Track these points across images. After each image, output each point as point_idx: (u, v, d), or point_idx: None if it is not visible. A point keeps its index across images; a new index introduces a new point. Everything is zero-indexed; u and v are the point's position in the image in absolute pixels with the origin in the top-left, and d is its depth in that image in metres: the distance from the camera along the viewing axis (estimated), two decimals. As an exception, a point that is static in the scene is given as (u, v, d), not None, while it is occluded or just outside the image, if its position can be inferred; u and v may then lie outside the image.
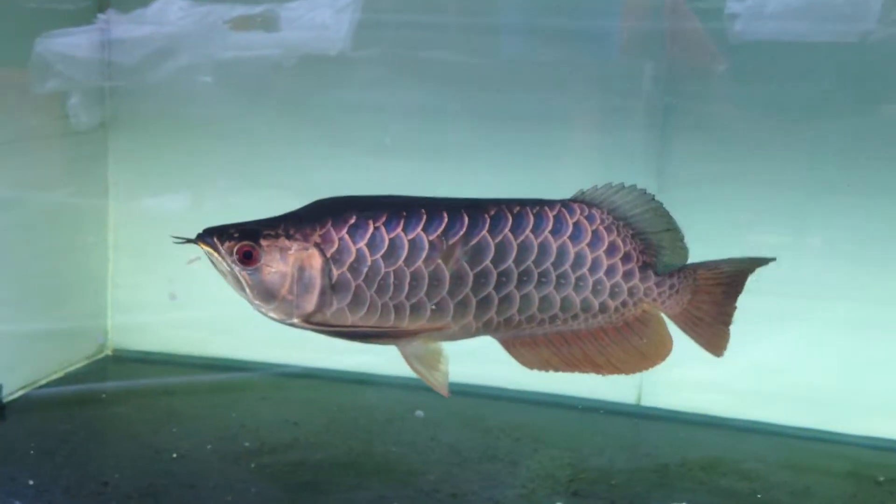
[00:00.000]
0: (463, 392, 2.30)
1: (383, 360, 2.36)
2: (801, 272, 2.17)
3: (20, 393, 2.20)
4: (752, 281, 2.16)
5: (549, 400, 2.30)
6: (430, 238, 1.43)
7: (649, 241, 1.50)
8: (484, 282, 1.44)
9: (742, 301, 2.17)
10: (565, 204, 1.48)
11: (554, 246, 1.46)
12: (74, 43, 2.34)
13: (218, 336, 2.48)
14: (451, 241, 1.43)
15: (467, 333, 1.49)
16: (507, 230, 1.45)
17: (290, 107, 2.42)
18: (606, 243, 1.47)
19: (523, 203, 1.47)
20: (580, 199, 1.49)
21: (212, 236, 1.45)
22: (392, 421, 2.14)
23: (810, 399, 2.19)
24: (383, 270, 1.43)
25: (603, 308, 1.49)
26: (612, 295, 1.49)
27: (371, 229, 1.43)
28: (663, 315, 1.52)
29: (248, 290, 1.45)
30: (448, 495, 1.80)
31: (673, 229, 1.51)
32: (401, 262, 1.43)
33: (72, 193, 2.39)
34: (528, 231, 1.45)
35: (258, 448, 1.97)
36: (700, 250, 2.19)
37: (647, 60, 2.20)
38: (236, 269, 1.44)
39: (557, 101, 2.30)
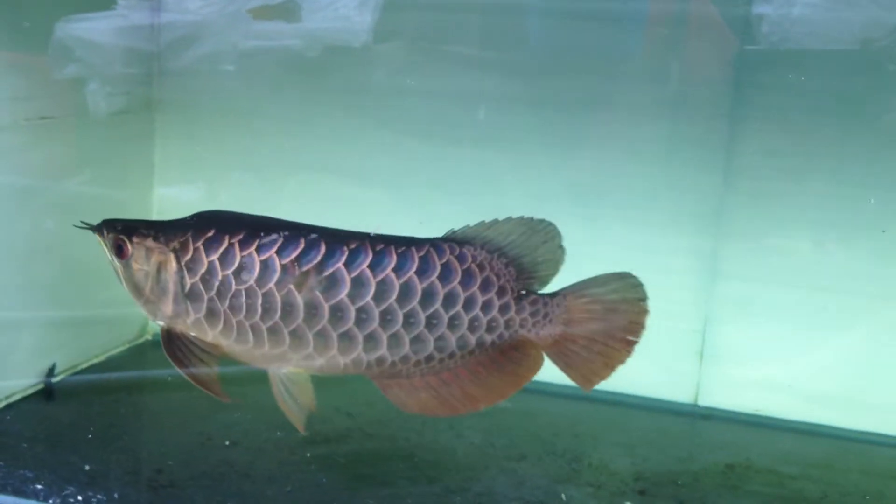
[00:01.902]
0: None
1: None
2: (867, 270, 2.12)
3: (62, 376, 2.15)
4: (816, 279, 2.13)
5: (603, 397, 2.23)
6: (283, 262, 1.43)
7: (524, 263, 1.48)
8: (341, 316, 1.43)
9: (804, 299, 2.14)
10: (434, 244, 1.46)
11: (419, 287, 1.44)
12: (97, 28, 2.30)
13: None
14: (303, 268, 1.42)
15: (336, 369, 1.49)
16: (364, 266, 1.43)
17: (319, 95, 2.36)
18: (480, 280, 1.46)
19: (389, 241, 1.45)
20: (451, 238, 1.47)
21: (101, 226, 1.55)
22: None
23: (874, 402, 2.13)
24: (234, 287, 1.45)
25: (480, 343, 1.48)
26: (490, 330, 1.47)
27: (225, 245, 1.45)
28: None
29: (122, 281, 1.54)
30: (510, 491, 1.74)
31: (549, 240, 1.49)
32: (252, 281, 1.44)
33: (117, 177, 2.34)
34: (388, 270, 1.43)
35: (312, 438, 1.91)
36: (766, 245, 2.16)
37: (715, 46, 2.14)
38: (113, 258, 1.53)
39: (614, 88, 2.24)
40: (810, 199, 2.12)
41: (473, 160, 2.31)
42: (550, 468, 1.84)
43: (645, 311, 1.52)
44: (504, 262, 1.47)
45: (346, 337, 1.44)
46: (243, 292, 1.44)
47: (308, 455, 1.83)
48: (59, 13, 2.10)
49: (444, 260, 1.45)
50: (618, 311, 1.51)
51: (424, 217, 2.31)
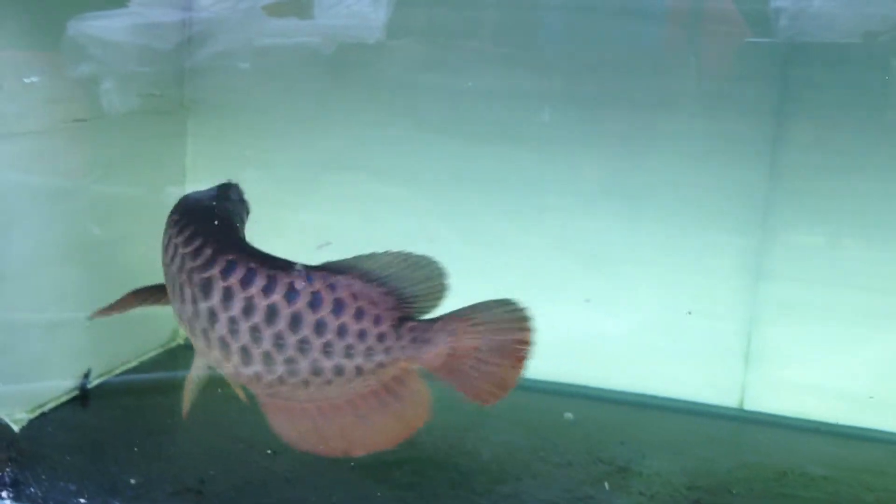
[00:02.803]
0: (556, 392, 2.21)
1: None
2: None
3: (97, 381, 2.12)
4: (865, 278, 2.08)
5: (646, 401, 2.21)
6: (182, 252, 1.48)
7: (404, 294, 1.45)
8: (214, 320, 1.43)
9: (853, 300, 2.09)
10: (307, 273, 1.43)
11: (286, 311, 1.41)
12: (124, 27, 2.27)
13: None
14: (187, 266, 1.47)
15: (224, 371, 1.49)
16: (235, 280, 1.43)
17: (341, 92, 2.33)
18: (353, 309, 1.42)
19: (264, 262, 1.44)
20: (325, 268, 1.44)
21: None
22: (485, 418, 2.05)
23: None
24: (165, 259, 1.55)
25: (358, 371, 1.44)
26: (367, 358, 1.44)
27: (172, 223, 1.57)
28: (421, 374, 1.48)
29: None
30: (568, 499, 1.70)
31: (431, 278, 1.46)
32: (170, 259, 1.52)
33: (149, 178, 2.31)
34: (254, 290, 1.42)
35: (353, 445, 1.87)
36: (813, 244, 2.11)
37: (760, 41, 2.08)
38: None
39: (651, 84, 2.19)
40: (858, 196, 2.07)
41: (506, 158, 2.26)
42: (599, 476, 1.80)
43: (531, 331, 1.48)
44: (382, 292, 1.44)
45: (224, 342, 1.44)
46: (168, 267, 1.53)
47: (352, 464, 1.79)
48: (89, 13, 2.06)
49: (314, 289, 1.42)
50: (505, 331, 1.47)
51: (448, 214, 2.29)
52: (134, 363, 2.27)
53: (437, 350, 1.45)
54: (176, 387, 2.13)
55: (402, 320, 1.44)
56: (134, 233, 2.17)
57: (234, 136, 2.42)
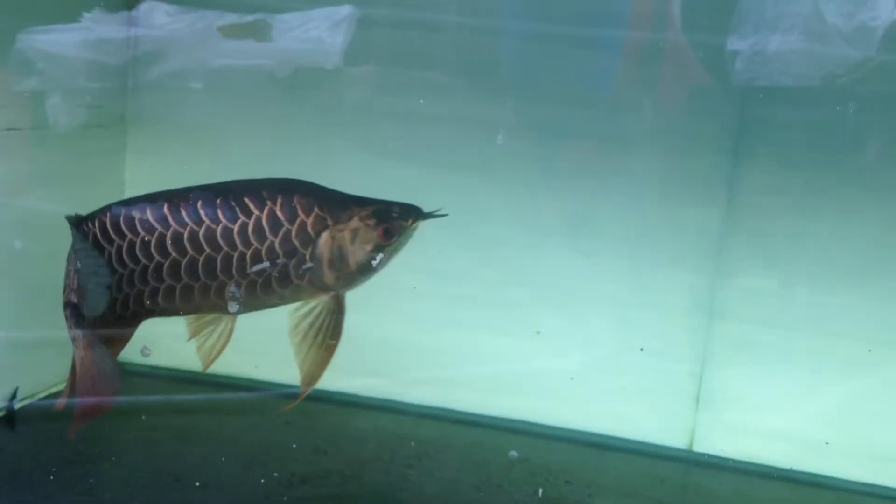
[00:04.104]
0: (503, 427, 2.15)
1: (412, 388, 2.23)
2: (873, 314, 2.04)
3: (21, 404, 2.01)
4: (819, 322, 2.05)
5: (593, 440, 2.14)
6: None
7: (82, 284, 1.54)
8: None
9: (806, 343, 2.06)
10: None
11: None
12: (67, 40, 2.19)
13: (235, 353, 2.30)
14: None
15: None
16: None
17: (287, 116, 2.26)
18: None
19: None
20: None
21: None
22: (429, 454, 1.98)
23: (878, 453, 2.04)
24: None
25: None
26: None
27: None
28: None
29: None
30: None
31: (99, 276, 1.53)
32: None
33: (85, 193, 2.20)
34: None
35: (288, 479, 1.79)
36: (767, 286, 2.08)
37: (719, 78, 2.05)
38: None
39: (610, 119, 2.15)
40: (813, 239, 2.05)
41: (460, 187, 2.20)
42: (544, 518, 1.73)
43: None
44: (72, 270, 1.56)
45: None
46: None
47: (285, 499, 1.70)
48: (26, 24, 1.98)
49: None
50: None
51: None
52: (61, 386, 2.15)
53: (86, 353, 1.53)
54: (105, 413, 2.04)
55: (70, 305, 1.56)
56: (64, 249, 2.07)
57: (177, 153, 2.33)
